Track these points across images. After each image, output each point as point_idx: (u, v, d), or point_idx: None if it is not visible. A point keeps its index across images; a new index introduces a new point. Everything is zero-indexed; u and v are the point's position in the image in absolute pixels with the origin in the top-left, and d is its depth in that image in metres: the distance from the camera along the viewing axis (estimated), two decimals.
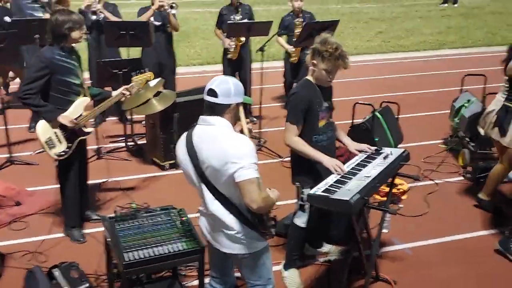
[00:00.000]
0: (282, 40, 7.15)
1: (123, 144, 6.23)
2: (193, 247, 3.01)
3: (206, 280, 3.19)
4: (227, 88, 2.67)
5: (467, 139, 5.87)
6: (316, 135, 3.59)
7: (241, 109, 2.88)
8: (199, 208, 2.93)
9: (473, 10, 15.75)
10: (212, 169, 2.63)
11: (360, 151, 3.75)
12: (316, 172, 3.55)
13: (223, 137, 2.64)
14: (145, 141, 6.13)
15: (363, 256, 3.74)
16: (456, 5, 16.28)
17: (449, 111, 6.39)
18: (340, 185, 3.25)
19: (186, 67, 9.41)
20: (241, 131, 2.85)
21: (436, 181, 5.44)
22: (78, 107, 4.17)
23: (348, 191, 3.15)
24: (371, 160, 3.62)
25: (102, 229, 3.29)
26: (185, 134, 2.80)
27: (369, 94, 7.33)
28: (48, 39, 4.07)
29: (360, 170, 3.48)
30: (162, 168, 5.68)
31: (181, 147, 2.79)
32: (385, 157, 3.64)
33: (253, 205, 2.58)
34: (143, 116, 6.53)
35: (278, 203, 2.85)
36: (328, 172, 3.44)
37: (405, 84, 8.55)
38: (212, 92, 2.67)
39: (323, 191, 3.19)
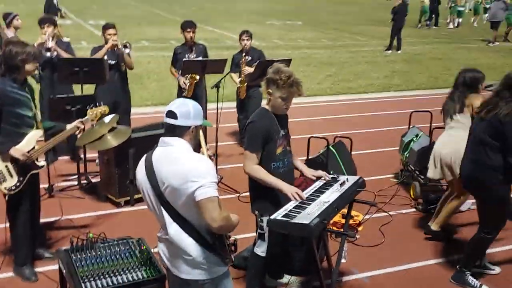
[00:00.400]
0: (235, 76, 7.36)
1: (76, 183, 6.08)
2: (153, 275, 2.95)
3: None
4: (186, 110, 2.70)
5: (417, 172, 6.08)
6: (274, 162, 3.65)
7: (201, 133, 2.91)
8: (157, 234, 2.89)
9: (415, 56, 16.59)
10: (172, 189, 2.62)
11: (317, 177, 3.83)
12: (276, 200, 3.59)
13: (182, 157, 2.65)
14: (99, 179, 6.00)
15: (324, 286, 3.75)
16: (399, 51, 17.11)
17: (398, 147, 6.63)
18: (299, 210, 3.30)
19: (140, 107, 9.37)
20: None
21: (390, 213, 5.57)
22: (31, 140, 4.08)
23: (308, 215, 3.20)
24: (329, 187, 3.70)
25: (55, 267, 3.17)
26: (145, 156, 2.80)
27: (322, 132, 7.51)
28: (0, 70, 4.00)
29: (318, 196, 3.55)
30: (117, 205, 5.56)
31: (140, 169, 2.77)
32: (341, 184, 3.73)
33: (214, 224, 2.57)
34: (96, 154, 6.42)
35: (237, 236, 2.85)
36: (288, 199, 3.49)
37: (356, 123, 8.83)
38: (172, 114, 2.69)
39: (283, 216, 3.23)
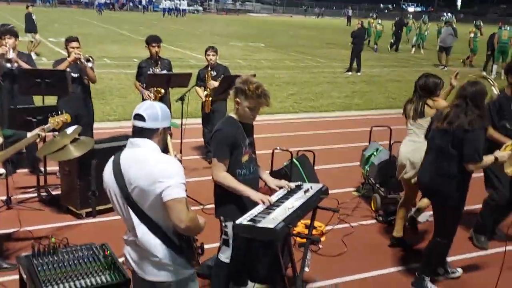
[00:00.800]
0: (200, 91, 7.42)
1: (35, 195, 5.93)
2: (118, 280, 2.92)
3: None
4: (154, 112, 2.72)
5: (377, 185, 6.23)
6: (240, 169, 3.68)
7: (168, 137, 2.93)
8: (123, 237, 2.87)
9: (374, 78, 17.07)
10: (139, 190, 2.62)
11: (280, 187, 3.88)
12: (241, 205, 3.62)
13: (151, 158, 2.66)
14: (59, 192, 5.88)
15: None
16: (359, 73, 17.57)
17: (359, 163, 6.78)
18: (264, 215, 3.34)
19: (102, 122, 9.27)
20: None
21: (352, 224, 5.67)
22: None
23: (273, 220, 3.25)
24: (293, 194, 3.76)
25: (14, 277, 3.09)
26: (112, 157, 2.79)
27: (286, 147, 7.62)
28: None
29: (283, 202, 3.60)
30: (79, 216, 5.46)
31: (108, 170, 2.76)
32: (305, 191, 3.80)
33: (181, 224, 2.58)
34: (57, 167, 6.31)
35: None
36: (252, 205, 3.52)
37: (318, 140, 8.97)
38: (140, 117, 2.70)
39: (248, 221, 3.26)
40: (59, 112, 4.63)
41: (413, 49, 25.92)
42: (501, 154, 4.29)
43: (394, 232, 5.19)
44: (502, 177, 4.94)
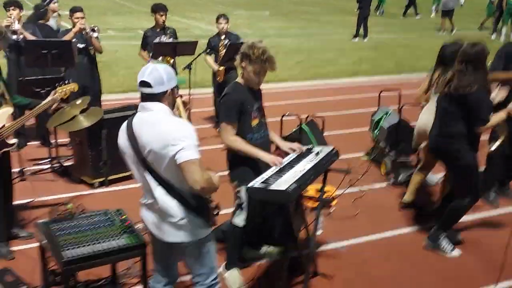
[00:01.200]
0: (211, 59, 7.30)
1: (48, 166, 5.99)
2: (135, 243, 2.96)
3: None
4: (159, 76, 2.68)
5: (387, 149, 6.21)
6: (251, 134, 3.69)
7: (178, 99, 2.93)
8: (140, 201, 2.90)
9: (382, 43, 16.86)
10: (153, 154, 2.63)
11: (292, 150, 3.89)
12: (254, 169, 3.63)
13: (162, 121, 2.66)
14: (71, 163, 5.93)
15: (301, 255, 3.82)
16: (366, 39, 17.36)
17: (368, 128, 6.75)
18: (277, 178, 3.35)
19: (110, 94, 9.26)
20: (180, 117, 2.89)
21: (362, 188, 5.69)
22: (0, 118, 4.01)
23: (285, 182, 3.25)
24: (304, 157, 3.76)
25: (32, 245, 3.13)
26: (125, 122, 2.80)
27: (295, 113, 7.60)
28: None
29: (294, 165, 3.60)
30: (91, 186, 5.51)
31: (122, 134, 2.78)
32: (316, 154, 3.80)
33: (196, 185, 2.59)
34: (68, 139, 6.34)
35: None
36: (265, 168, 3.54)
37: (326, 106, 8.93)
38: (145, 84, 2.67)
39: (261, 183, 3.27)
40: (66, 82, 4.63)
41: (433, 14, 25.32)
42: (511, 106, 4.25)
43: (405, 196, 5.19)
44: None
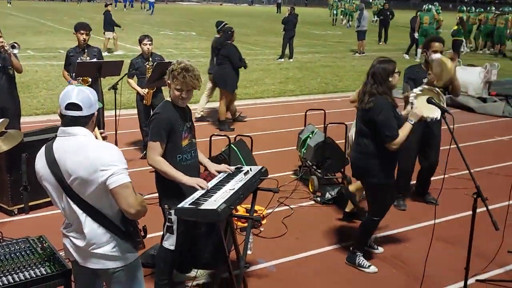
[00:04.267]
0: (133, 82, 7.12)
1: None
2: (57, 270, 2.83)
3: None
4: (87, 97, 2.62)
5: (314, 166, 6.37)
6: (180, 154, 3.66)
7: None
8: (61, 229, 2.78)
9: (306, 64, 17.36)
10: (81, 181, 2.54)
11: (220, 172, 3.89)
12: (184, 191, 3.59)
13: (88, 146, 2.57)
14: None
15: (232, 276, 3.81)
16: (291, 60, 17.81)
17: (295, 147, 6.90)
18: (206, 198, 3.35)
19: (29, 116, 8.88)
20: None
21: (291, 206, 5.78)
22: None
23: (215, 202, 3.26)
24: (234, 176, 3.78)
25: None
26: (43, 147, 2.67)
27: (223, 134, 7.63)
28: None
29: (224, 185, 3.61)
30: (10, 213, 5.22)
31: (40, 161, 2.65)
32: (245, 173, 3.83)
33: (131, 210, 2.53)
34: None
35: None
36: (193, 191, 3.52)
37: (254, 126, 9.05)
38: (75, 106, 2.58)
39: (190, 204, 3.25)
40: None
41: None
42: (412, 113, 4.22)
43: (346, 207, 5.37)
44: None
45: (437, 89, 4.71)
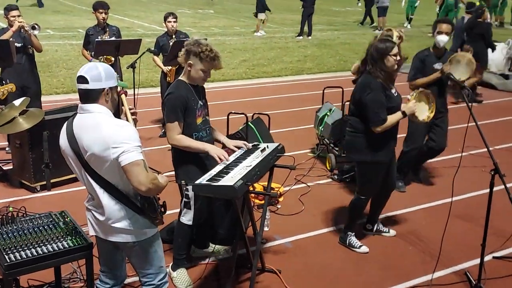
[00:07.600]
0: (158, 60, 7.15)
1: None
2: (79, 244, 2.91)
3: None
4: (96, 73, 2.66)
5: (331, 145, 6.37)
6: (196, 132, 3.70)
7: (123, 97, 2.91)
8: (84, 203, 2.86)
9: (325, 41, 17.20)
10: (95, 157, 2.60)
11: (238, 148, 3.93)
12: (200, 167, 3.65)
13: (102, 123, 2.61)
14: (10, 167, 5.73)
15: (249, 252, 3.87)
16: (310, 37, 17.65)
17: (313, 125, 6.89)
18: (223, 175, 3.38)
19: (50, 95, 9.00)
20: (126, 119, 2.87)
21: (308, 184, 5.81)
22: None
23: (232, 178, 3.29)
24: (251, 153, 3.81)
25: None
26: (65, 124, 2.74)
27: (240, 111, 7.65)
28: None
29: (241, 162, 3.65)
30: (33, 190, 5.35)
31: (62, 138, 2.73)
32: (262, 150, 3.86)
33: (142, 187, 2.58)
34: (6, 142, 6.13)
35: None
36: (211, 166, 3.56)
37: (272, 104, 9.04)
38: (83, 79, 2.64)
39: (207, 180, 3.30)
40: (3, 82, 4.47)
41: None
42: (408, 106, 4.20)
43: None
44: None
45: (430, 92, 4.68)
